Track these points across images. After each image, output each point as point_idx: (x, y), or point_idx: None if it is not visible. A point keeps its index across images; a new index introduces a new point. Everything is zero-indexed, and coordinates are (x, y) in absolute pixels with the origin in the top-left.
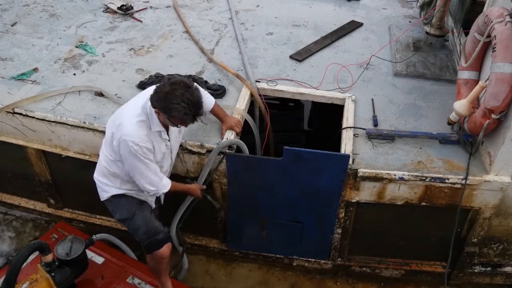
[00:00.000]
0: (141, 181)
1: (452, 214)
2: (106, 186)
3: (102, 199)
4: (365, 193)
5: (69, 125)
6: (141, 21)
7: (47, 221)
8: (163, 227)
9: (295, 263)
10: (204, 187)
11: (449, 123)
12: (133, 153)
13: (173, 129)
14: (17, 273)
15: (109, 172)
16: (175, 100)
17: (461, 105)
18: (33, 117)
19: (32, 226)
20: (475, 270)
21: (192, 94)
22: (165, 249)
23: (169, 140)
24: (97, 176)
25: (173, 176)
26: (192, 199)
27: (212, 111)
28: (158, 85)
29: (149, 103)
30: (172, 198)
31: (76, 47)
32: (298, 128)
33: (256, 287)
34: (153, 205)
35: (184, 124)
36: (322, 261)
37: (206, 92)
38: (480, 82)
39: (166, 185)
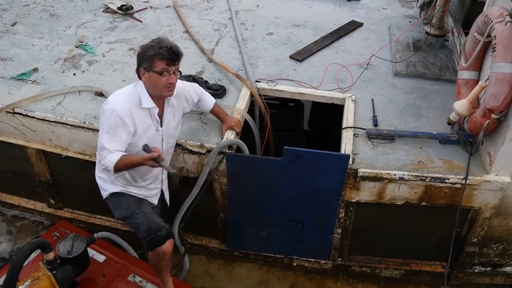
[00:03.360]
0: (97, 153)
1: (452, 214)
2: (104, 183)
3: (103, 198)
4: (365, 193)
5: (69, 125)
6: (141, 21)
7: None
8: (165, 223)
9: (295, 263)
10: (157, 154)
11: (449, 123)
12: (106, 119)
13: (167, 115)
14: (18, 271)
15: None
16: (149, 45)
17: (461, 105)
18: (33, 117)
19: (32, 226)
20: (475, 270)
21: (165, 39)
22: (167, 245)
23: (161, 126)
24: (96, 172)
25: None
26: (194, 198)
27: (212, 111)
28: None
29: (139, 82)
30: (173, 198)
31: (76, 47)
32: (298, 128)
33: (256, 287)
34: (155, 203)
35: (164, 62)
36: (322, 261)
37: (206, 92)
38: (480, 82)
39: (111, 159)
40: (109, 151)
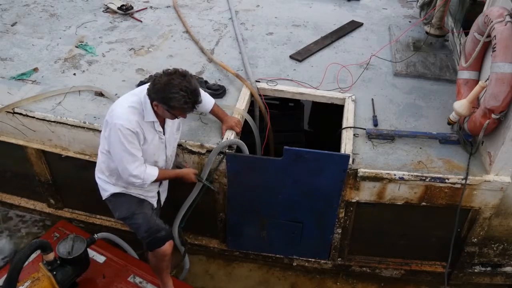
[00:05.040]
0: (123, 169)
1: (452, 214)
2: (105, 184)
3: (103, 198)
4: (365, 193)
5: (69, 125)
6: (141, 21)
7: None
8: (165, 224)
9: (295, 263)
10: (196, 171)
11: (449, 123)
12: (119, 136)
13: (169, 123)
14: (19, 271)
15: (105, 167)
16: (174, 89)
17: (461, 105)
18: (33, 117)
19: (33, 226)
20: (475, 270)
21: (189, 82)
22: (167, 246)
23: (164, 134)
24: (96, 173)
25: None
26: (194, 199)
27: (212, 112)
28: (154, 77)
29: (144, 93)
30: (174, 198)
31: (76, 47)
32: (298, 128)
33: (256, 287)
34: (155, 204)
35: (184, 113)
36: (322, 261)
37: (205, 93)
38: (480, 82)
39: (151, 173)
40: (139, 159)
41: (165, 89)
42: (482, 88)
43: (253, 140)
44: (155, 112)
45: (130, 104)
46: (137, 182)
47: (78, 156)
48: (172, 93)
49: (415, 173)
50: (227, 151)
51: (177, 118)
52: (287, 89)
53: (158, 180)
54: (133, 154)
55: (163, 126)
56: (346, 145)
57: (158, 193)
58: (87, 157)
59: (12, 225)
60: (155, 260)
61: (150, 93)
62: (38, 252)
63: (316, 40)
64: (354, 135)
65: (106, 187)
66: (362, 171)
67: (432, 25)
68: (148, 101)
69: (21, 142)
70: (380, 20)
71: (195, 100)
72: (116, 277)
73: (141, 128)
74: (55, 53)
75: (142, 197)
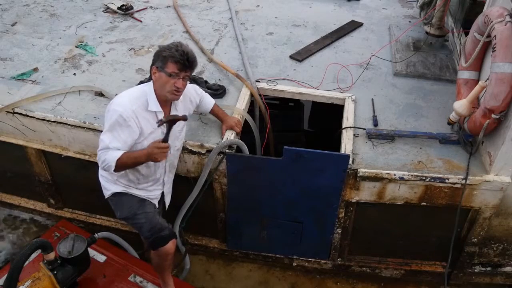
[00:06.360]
0: (98, 150)
1: (452, 214)
2: (107, 183)
3: (105, 197)
4: (365, 193)
5: (69, 125)
6: (141, 21)
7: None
8: (167, 223)
9: (295, 263)
10: (166, 144)
11: (449, 123)
12: (110, 119)
13: None
14: (19, 271)
15: None
16: (167, 46)
17: (461, 105)
18: (33, 117)
19: (33, 226)
20: (475, 270)
21: (183, 45)
22: (170, 245)
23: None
24: (99, 171)
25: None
26: (194, 199)
27: (212, 112)
28: None
29: (149, 84)
30: (174, 199)
31: (76, 47)
32: (298, 128)
33: (256, 287)
34: (157, 204)
35: (176, 66)
36: (322, 261)
37: (205, 93)
38: (480, 82)
39: (114, 155)
40: (109, 148)
41: (161, 48)
42: (482, 88)
43: (253, 140)
44: (156, 95)
45: (133, 94)
46: (103, 165)
47: (78, 156)
48: (165, 48)
49: (415, 173)
50: (227, 151)
51: (173, 79)
52: (287, 89)
53: (124, 163)
54: (111, 139)
55: None
56: (346, 145)
57: (162, 194)
58: (87, 157)
59: (12, 225)
60: (157, 259)
61: (151, 63)
62: (39, 251)
63: (316, 40)
64: (354, 135)
65: (108, 186)
66: (362, 171)
67: (432, 25)
68: (153, 90)
69: (21, 142)
70: (380, 20)
71: (186, 51)
72: (116, 277)
73: (136, 119)
74: (55, 53)
75: (143, 196)
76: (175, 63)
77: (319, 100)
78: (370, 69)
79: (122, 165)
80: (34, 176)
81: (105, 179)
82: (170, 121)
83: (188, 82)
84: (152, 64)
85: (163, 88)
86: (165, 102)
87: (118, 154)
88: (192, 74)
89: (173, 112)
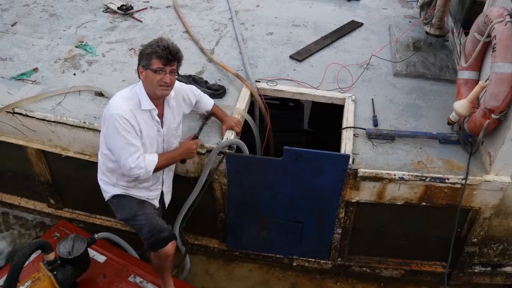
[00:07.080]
0: (123, 160)
1: (452, 214)
2: (106, 186)
3: (105, 200)
4: (365, 193)
5: (69, 125)
6: (141, 21)
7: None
8: (167, 225)
9: (295, 263)
10: (197, 141)
11: (449, 123)
12: (116, 126)
13: (168, 116)
14: (19, 271)
15: (105, 168)
16: (149, 43)
17: (461, 105)
18: (33, 117)
19: (32, 226)
20: (475, 270)
21: (162, 37)
22: (170, 246)
23: (162, 127)
24: (98, 175)
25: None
26: (194, 199)
27: (212, 112)
28: None
29: (139, 84)
30: (174, 199)
31: (76, 47)
32: (298, 128)
33: (256, 287)
34: (157, 205)
35: (159, 61)
36: (322, 261)
37: (204, 94)
38: (480, 82)
39: (152, 160)
40: (139, 149)
41: (144, 47)
42: (482, 88)
43: (253, 140)
44: (148, 94)
45: (124, 95)
46: (139, 172)
47: (78, 156)
48: (148, 46)
49: (415, 173)
50: (227, 151)
51: (159, 75)
52: (287, 89)
53: (161, 166)
54: (132, 143)
55: (161, 119)
56: (346, 145)
57: (162, 193)
58: (87, 157)
59: (12, 225)
60: (157, 260)
61: (137, 64)
62: (39, 252)
63: (316, 40)
64: (354, 135)
65: (107, 189)
66: (362, 171)
67: (432, 25)
68: (143, 89)
69: (21, 142)
70: (380, 20)
71: (167, 45)
72: (116, 277)
73: (135, 119)
74: (55, 53)
75: (143, 198)
76: (159, 58)
77: (319, 100)
78: (370, 69)
79: (158, 168)
80: (34, 176)
81: (104, 182)
82: (206, 118)
83: (176, 75)
84: (138, 64)
85: (152, 85)
86: (157, 99)
87: (155, 158)
88: (192, 74)
89: (166, 110)
